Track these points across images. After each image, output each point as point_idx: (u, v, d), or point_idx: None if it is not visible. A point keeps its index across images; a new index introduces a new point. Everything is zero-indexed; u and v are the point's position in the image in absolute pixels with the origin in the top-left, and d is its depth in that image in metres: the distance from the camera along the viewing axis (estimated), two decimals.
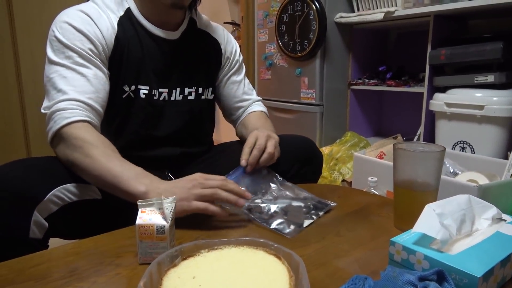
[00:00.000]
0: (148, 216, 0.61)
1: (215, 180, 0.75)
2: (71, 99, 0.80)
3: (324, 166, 1.83)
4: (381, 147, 1.71)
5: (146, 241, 0.60)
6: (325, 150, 2.11)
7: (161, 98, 0.97)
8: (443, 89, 1.75)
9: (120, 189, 0.73)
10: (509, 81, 1.59)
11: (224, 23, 3.50)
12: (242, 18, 2.83)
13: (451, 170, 1.41)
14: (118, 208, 0.76)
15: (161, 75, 0.96)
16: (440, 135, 1.76)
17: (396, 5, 1.91)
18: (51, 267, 0.61)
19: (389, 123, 2.47)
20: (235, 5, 3.65)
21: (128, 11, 0.93)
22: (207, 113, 1.10)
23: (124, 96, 0.92)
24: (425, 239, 0.55)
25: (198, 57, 1.04)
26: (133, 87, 0.93)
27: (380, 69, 2.21)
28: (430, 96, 1.80)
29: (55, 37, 0.84)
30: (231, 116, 1.17)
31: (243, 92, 1.15)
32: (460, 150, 1.67)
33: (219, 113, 1.19)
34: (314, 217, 0.79)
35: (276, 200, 0.83)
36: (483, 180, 1.25)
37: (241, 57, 1.17)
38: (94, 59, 0.85)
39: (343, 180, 1.95)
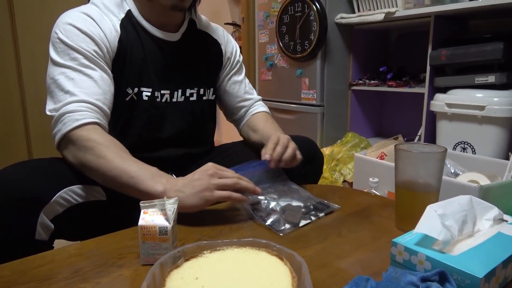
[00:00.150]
0: (151, 217, 0.61)
1: (228, 171, 0.78)
2: (81, 100, 0.80)
3: (325, 166, 1.83)
4: (382, 148, 1.71)
5: (148, 242, 0.60)
6: (326, 150, 2.11)
7: (163, 100, 0.98)
8: (444, 90, 1.75)
9: (138, 189, 0.74)
10: (510, 82, 1.59)
11: (225, 24, 3.51)
12: (242, 19, 2.84)
13: (452, 171, 1.41)
14: (123, 209, 0.76)
15: (162, 77, 0.97)
16: (441, 136, 1.76)
17: (397, 6, 1.91)
18: (54, 268, 0.61)
19: (389, 123, 2.47)
20: (235, 6, 3.65)
21: (129, 13, 0.93)
22: (208, 113, 1.10)
23: (127, 99, 0.93)
24: (426, 240, 0.56)
25: (199, 58, 1.04)
26: (136, 90, 0.93)
27: (380, 69, 2.21)
28: (430, 97, 1.80)
29: (59, 38, 0.83)
30: (233, 116, 1.18)
31: (245, 92, 1.15)
32: (461, 151, 1.67)
33: (219, 114, 1.20)
34: (313, 217, 0.79)
35: (277, 199, 0.83)
36: (484, 181, 1.25)
37: (241, 57, 1.17)
38: (99, 61, 0.85)
39: (344, 181, 1.95)
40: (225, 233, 0.73)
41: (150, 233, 0.60)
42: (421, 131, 1.92)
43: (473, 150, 1.63)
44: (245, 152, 1.11)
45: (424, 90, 1.85)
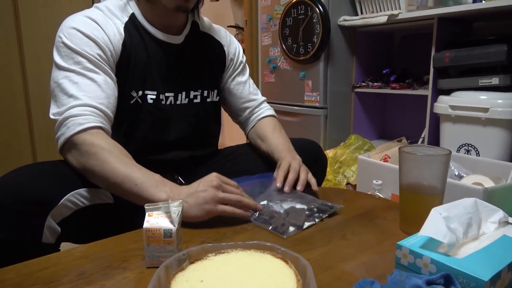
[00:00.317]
0: (155, 220, 0.61)
1: (231, 185, 0.79)
2: (84, 104, 0.80)
3: (328, 169, 1.83)
4: (385, 150, 1.71)
5: (153, 244, 0.61)
6: (329, 153, 2.11)
7: (168, 103, 0.98)
8: (448, 92, 1.75)
9: (141, 197, 0.74)
10: None
11: (228, 26, 3.52)
12: (245, 21, 2.84)
13: (456, 173, 1.41)
14: (130, 211, 0.76)
15: (166, 80, 0.97)
16: (444, 138, 1.76)
17: (400, 8, 1.91)
18: (58, 271, 0.61)
19: (393, 125, 2.46)
20: (238, 8, 3.66)
21: (132, 16, 0.93)
22: (213, 115, 1.11)
23: (132, 102, 0.93)
24: (431, 243, 0.55)
25: (202, 60, 1.05)
26: (140, 93, 0.93)
27: (384, 71, 2.21)
28: (434, 99, 1.80)
29: (63, 43, 0.84)
30: (238, 117, 1.18)
31: (249, 93, 1.15)
32: (465, 153, 1.66)
33: (223, 116, 1.20)
34: (317, 219, 0.79)
35: (281, 202, 0.83)
36: (488, 183, 1.24)
37: (245, 58, 1.17)
38: (103, 65, 0.85)
39: (348, 183, 1.94)
40: (229, 235, 0.73)
41: (155, 236, 0.60)
42: (425, 133, 1.91)
43: (477, 152, 1.62)
44: (250, 156, 1.11)
45: (428, 92, 1.85)
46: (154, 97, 0.95)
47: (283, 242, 0.70)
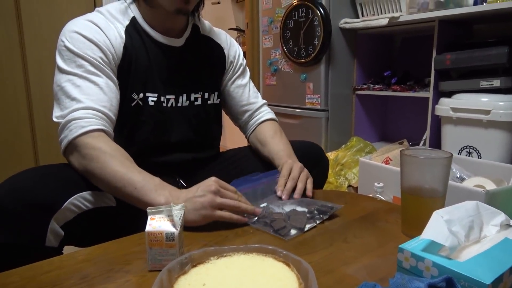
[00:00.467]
0: (158, 223, 0.61)
1: (229, 190, 0.79)
2: (87, 107, 0.81)
3: (329, 171, 1.83)
4: (387, 152, 1.71)
5: (155, 248, 0.61)
6: (330, 155, 2.11)
7: (169, 105, 0.98)
8: (449, 94, 1.75)
9: (141, 201, 0.74)
10: None
11: (229, 29, 3.53)
12: (247, 24, 2.85)
13: (458, 175, 1.40)
14: (132, 214, 0.76)
15: (167, 82, 0.98)
16: (446, 140, 1.76)
17: (401, 11, 1.91)
18: (61, 274, 0.61)
19: (394, 128, 2.46)
20: (239, 11, 3.67)
21: (133, 20, 0.94)
22: (214, 117, 1.11)
23: (133, 104, 0.93)
24: (433, 246, 0.55)
25: (203, 63, 1.05)
26: (141, 95, 0.94)
27: (385, 74, 2.21)
28: (435, 101, 1.80)
29: (65, 46, 0.84)
30: (238, 120, 1.18)
31: (249, 96, 1.15)
32: (466, 155, 1.66)
33: (224, 119, 1.20)
34: (318, 221, 0.79)
35: (282, 205, 0.84)
36: (490, 185, 1.24)
37: (245, 61, 1.17)
38: (105, 68, 0.86)
39: (349, 186, 1.94)
40: (231, 238, 0.73)
41: (157, 239, 0.60)
42: (426, 135, 1.91)
43: (479, 154, 1.62)
44: (251, 159, 1.11)
45: (429, 94, 1.85)
46: (155, 99, 0.95)
47: (284, 245, 0.70)
